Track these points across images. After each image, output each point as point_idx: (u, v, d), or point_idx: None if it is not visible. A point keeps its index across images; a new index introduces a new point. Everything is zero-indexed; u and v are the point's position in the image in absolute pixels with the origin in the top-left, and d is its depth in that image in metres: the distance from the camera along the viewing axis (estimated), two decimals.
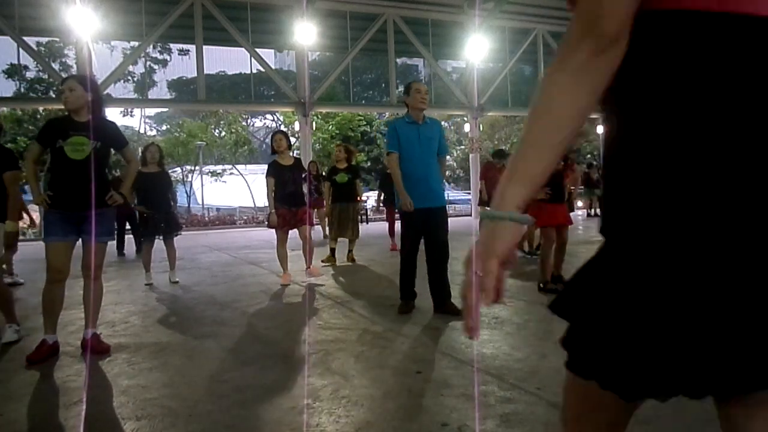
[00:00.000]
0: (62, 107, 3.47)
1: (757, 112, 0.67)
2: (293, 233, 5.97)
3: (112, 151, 3.71)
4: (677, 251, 0.70)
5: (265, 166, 6.06)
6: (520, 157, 0.78)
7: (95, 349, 3.42)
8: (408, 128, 4.33)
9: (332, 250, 7.60)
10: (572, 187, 5.26)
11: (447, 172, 18.14)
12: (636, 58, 0.73)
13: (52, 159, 3.43)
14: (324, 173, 9.14)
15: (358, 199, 7.97)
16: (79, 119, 3.41)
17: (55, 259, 3.37)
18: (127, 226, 9.48)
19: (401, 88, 27.45)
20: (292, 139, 7.16)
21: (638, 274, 0.73)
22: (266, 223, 6.08)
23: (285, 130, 7.52)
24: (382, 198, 9.42)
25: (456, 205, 24.62)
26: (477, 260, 0.77)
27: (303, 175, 6.13)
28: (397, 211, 4.71)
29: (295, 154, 6.84)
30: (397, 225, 8.41)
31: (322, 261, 7.36)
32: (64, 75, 18.09)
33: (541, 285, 5.05)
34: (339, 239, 7.70)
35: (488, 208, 0.81)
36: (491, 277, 0.75)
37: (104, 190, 3.45)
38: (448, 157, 5.92)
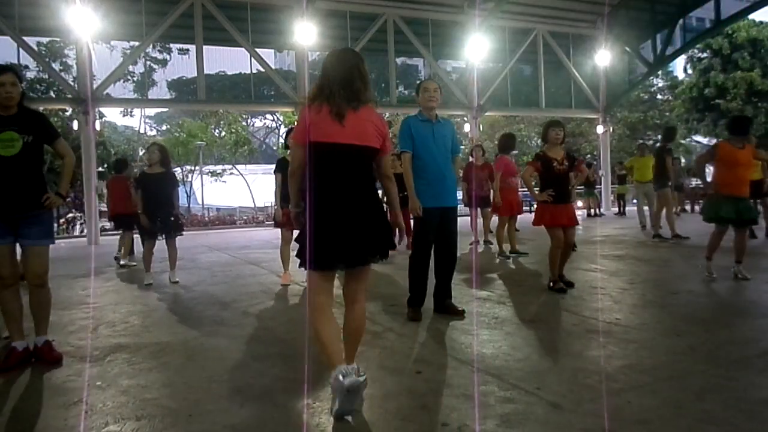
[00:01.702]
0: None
1: (328, 176, 2.47)
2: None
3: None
4: (322, 214, 2.43)
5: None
6: (291, 199, 2.60)
7: (47, 357, 3.27)
8: (422, 126, 4.12)
9: None
10: (574, 181, 5.31)
11: None
12: (309, 158, 2.46)
13: None
14: None
15: None
16: (7, 113, 3.18)
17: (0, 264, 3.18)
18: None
19: (401, 88, 27.51)
20: None
21: (315, 222, 2.42)
22: (274, 221, 6.06)
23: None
24: (385, 199, 9.28)
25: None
26: (294, 219, 2.67)
27: None
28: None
29: None
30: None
31: None
32: (64, 75, 18.06)
33: (551, 284, 5.03)
34: None
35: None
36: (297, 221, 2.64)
37: (41, 190, 3.25)
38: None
